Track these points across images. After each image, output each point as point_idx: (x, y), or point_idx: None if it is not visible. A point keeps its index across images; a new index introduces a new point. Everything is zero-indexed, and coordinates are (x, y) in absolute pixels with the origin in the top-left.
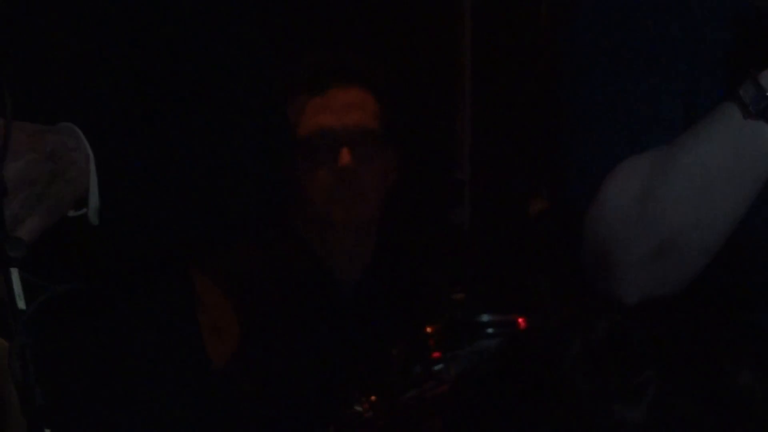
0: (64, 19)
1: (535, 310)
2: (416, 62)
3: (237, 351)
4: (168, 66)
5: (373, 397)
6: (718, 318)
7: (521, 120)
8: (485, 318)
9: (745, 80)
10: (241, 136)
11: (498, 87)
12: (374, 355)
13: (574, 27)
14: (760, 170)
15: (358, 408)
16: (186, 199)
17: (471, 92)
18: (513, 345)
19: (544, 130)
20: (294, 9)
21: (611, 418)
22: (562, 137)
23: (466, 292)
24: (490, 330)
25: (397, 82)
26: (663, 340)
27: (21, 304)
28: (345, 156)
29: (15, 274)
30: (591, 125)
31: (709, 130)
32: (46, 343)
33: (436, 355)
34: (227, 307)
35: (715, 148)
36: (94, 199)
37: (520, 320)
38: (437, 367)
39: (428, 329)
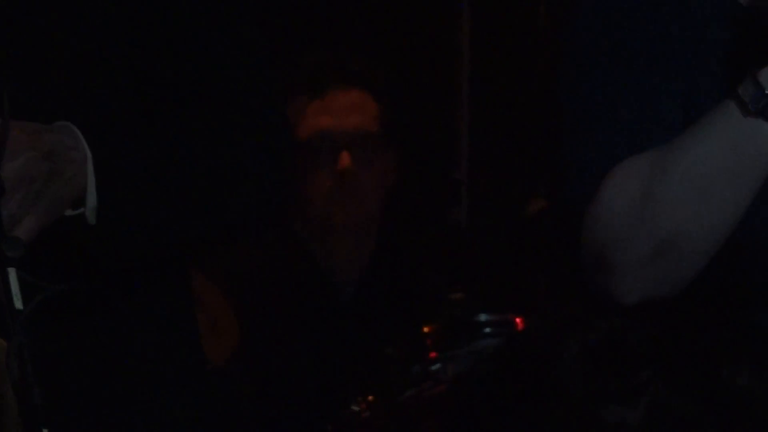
0: (63, 19)
1: (533, 310)
2: (413, 62)
3: (235, 350)
4: (167, 65)
5: (370, 397)
6: (718, 318)
7: (519, 120)
8: (483, 318)
9: (745, 78)
10: (239, 135)
11: (496, 87)
12: (372, 354)
13: (574, 27)
14: (760, 168)
15: (356, 408)
16: (184, 199)
17: (469, 92)
18: (511, 346)
19: (543, 130)
20: (294, 9)
21: (610, 419)
22: (562, 137)
23: (463, 291)
24: (487, 330)
25: (395, 83)
26: (661, 340)
27: (18, 304)
28: (345, 159)
29: (12, 274)
30: (590, 125)
31: (709, 129)
32: (44, 343)
33: (433, 354)
34: (226, 307)
35: (715, 147)
36: (91, 199)
37: (517, 320)
38: (435, 367)
39: (426, 329)
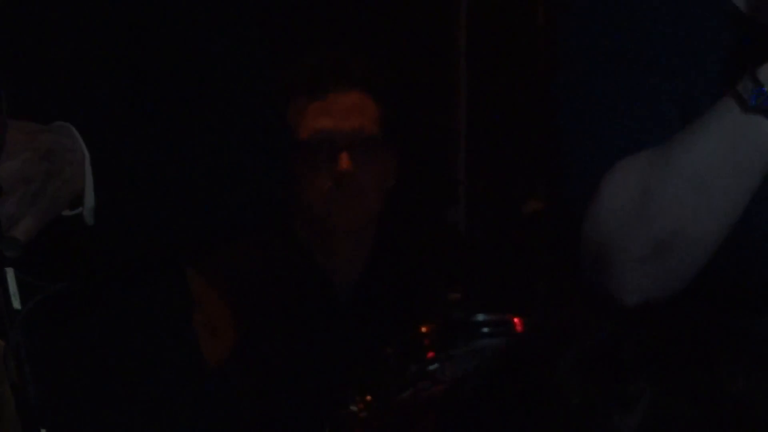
0: (62, 19)
1: (531, 310)
2: (411, 63)
3: (233, 351)
4: (166, 65)
5: (368, 397)
6: (715, 321)
7: (516, 121)
8: (481, 318)
9: (744, 75)
10: (239, 135)
11: (493, 88)
12: (370, 354)
13: (573, 26)
14: (758, 165)
15: (354, 408)
16: (182, 199)
17: (467, 92)
18: (507, 352)
19: (541, 130)
20: (294, 9)
21: (606, 425)
22: (561, 137)
23: (461, 291)
24: (485, 330)
25: (394, 83)
26: (658, 345)
27: (16, 304)
28: (344, 160)
29: (10, 274)
30: (589, 125)
31: (707, 126)
32: (42, 343)
33: (431, 354)
34: (224, 307)
35: (713, 144)
36: (89, 199)
37: (515, 320)
38: (433, 367)
39: (424, 329)
